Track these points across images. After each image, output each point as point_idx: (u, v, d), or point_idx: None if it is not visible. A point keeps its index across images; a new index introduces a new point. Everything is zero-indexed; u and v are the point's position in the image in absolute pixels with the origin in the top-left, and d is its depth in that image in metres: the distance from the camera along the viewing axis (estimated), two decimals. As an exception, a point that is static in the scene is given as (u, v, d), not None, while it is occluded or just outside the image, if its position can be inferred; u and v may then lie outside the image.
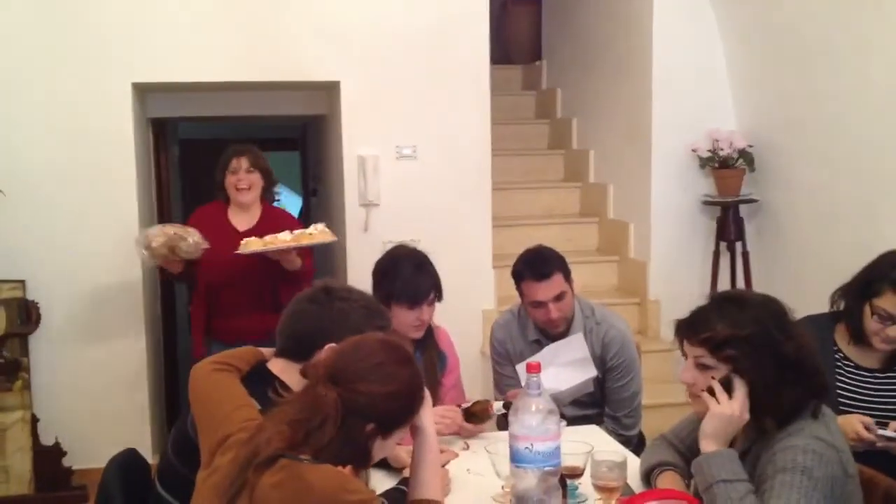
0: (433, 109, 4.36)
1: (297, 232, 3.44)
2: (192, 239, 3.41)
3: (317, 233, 3.47)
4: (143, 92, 4.41)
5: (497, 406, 2.53)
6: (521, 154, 5.76)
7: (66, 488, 3.96)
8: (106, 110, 4.04)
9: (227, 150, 3.62)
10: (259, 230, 3.48)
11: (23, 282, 3.95)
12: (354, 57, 4.28)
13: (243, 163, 3.56)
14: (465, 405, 2.56)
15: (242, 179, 3.56)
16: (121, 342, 4.09)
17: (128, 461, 2.10)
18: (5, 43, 3.94)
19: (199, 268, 3.54)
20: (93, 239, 4.04)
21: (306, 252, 3.54)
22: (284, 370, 1.95)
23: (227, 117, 5.60)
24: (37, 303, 3.98)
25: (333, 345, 1.78)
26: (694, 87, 4.55)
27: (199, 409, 1.80)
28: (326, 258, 5.74)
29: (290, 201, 10.71)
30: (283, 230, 3.43)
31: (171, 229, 3.42)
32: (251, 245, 3.37)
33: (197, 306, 3.66)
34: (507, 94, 6.11)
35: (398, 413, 1.66)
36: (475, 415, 2.52)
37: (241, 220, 3.62)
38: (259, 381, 1.89)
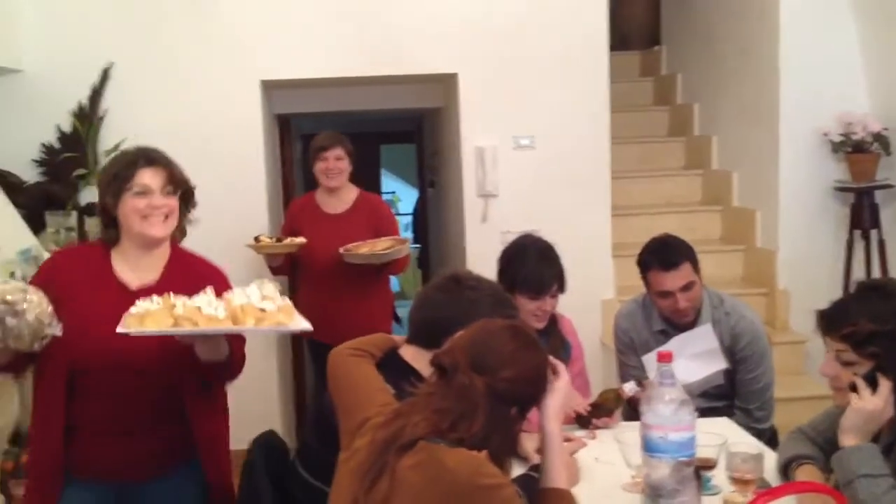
0: (551, 98, 4.34)
1: (235, 300, 1.94)
2: (31, 316, 1.87)
3: (273, 309, 1.94)
4: (269, 89, 4.57)
5: (629, 387, 2.51)
6: (640, 142, 5.65)
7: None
8: (237, 107, 4.20)
9: (121, 155, 2.19)
10: (163, 286, 2.08)
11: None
12: (471, 48, 4.30)
13: (158, 178, 2.11)
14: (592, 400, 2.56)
15: (160, 206, 2.11)
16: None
17: (269, 442, 2.19)
18: (137, 43, 4.13)
19: (56, 348, 1.99)
20: (224, 235, 4.14)
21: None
22: (416, 357, 1.99)
23: (344, 112, 5.73)
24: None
25: (461, 332, 1.80)
26: (824, 68, 4.35)
27: (338, 393, 1.87)
28: (444, 249, 5.80)
29: (406, 194, 10.91)
30: (202, 289, 2.00)
31: None
32: (147, 321, 1.90)
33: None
34: (625, 81, 5.99)
35: (533, 396, 1.70)
36: (606, 403, 2.51)
37: (135, 271, 2.15)
38: (392, 368, 1.95)
